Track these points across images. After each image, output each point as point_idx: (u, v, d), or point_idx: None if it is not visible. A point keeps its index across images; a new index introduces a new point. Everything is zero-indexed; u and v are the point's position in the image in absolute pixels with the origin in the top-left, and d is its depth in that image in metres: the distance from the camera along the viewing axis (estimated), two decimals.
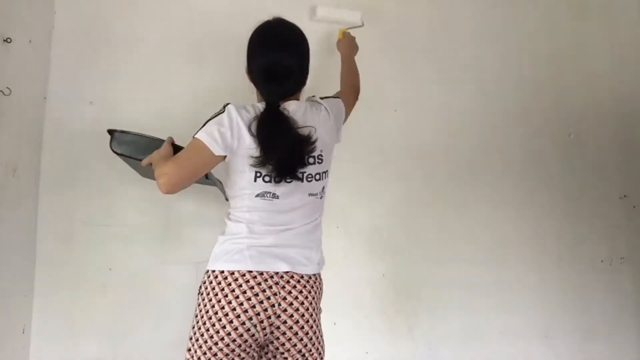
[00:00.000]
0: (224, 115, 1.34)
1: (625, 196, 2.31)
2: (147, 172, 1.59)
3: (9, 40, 1.64)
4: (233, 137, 1.32)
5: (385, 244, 2.07)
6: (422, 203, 2.12)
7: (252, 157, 1.32)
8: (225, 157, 1.34)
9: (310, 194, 1.39)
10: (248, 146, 1.33)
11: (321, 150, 1.41)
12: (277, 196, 1.36)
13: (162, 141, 1.54)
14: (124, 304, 1.86)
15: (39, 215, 1.83)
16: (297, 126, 1.35)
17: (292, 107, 1.39)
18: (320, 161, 1.41)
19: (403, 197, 2.11)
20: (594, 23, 2.39)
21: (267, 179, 1.35)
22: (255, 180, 1.35)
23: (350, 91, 1.75)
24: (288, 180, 1.35)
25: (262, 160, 1.31)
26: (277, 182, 1.34)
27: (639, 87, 2.37)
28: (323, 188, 1.43)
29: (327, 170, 1.44)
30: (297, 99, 1.45)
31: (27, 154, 1.79)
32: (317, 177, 1.40)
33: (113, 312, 1.85)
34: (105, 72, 1.93)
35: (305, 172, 1.37)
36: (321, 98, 1.53)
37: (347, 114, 1.65)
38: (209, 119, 1.36)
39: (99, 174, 1.89)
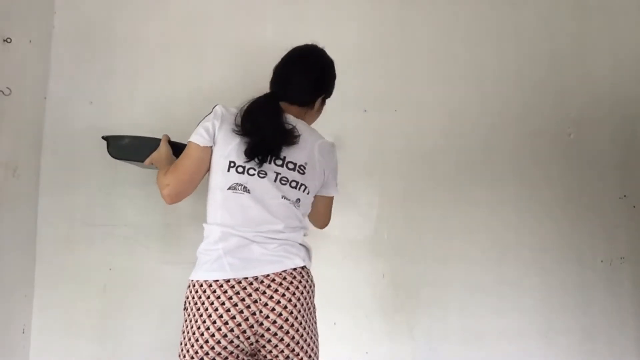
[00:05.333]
0: (210, 114, 1.42)
1: (625, 196, 2.30)
2: (150, 166, 1.62)
3: (9, 40, 1.64)
4: (215, 125, 1.39)
5: (385, 244, 2.07)
6: (422, 203, 2.12)
7: (236, 125, 1.38)
8: (211, 147, 1.40)
9: (283, 197, 1.38)
10: (229, 122, 1.39)
11: (305, 163, 1.42)
12: (248, 190, 1.36)
13: (157, 140, 1.56)
14: (124, 304, 1.86)
15: (39, 215, 1.84)
16: (285, 120, 1.41)
17: (290, 118, 1.44)
18: (301, 172, 1.42)
19: (403, 197, 2.11)
20: (594, 23, 2.38)
21: (240, 169, 1.37)
22: (228, 170, 1.37)
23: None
24: (261, 175, 1.37)
25: (243, 130, 1.36)
26: (248, 161, 1.36)
27: (639, 87, 2.37)
28: (298, 200, 1.41)
29: (307, 187, 1.43)
30: (297, 115, 1.48)
31: (27, 154, 1.79)
32: (293, 184, 1.40)
33: (113, 312, 1.85)
34: (105, 72, 1.93)
35: (280, 173, 1.39)
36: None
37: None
38: (198, 123, 1.43)
39: (99, 174, 1.89)
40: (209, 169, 1.42)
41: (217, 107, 1.42)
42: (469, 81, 2.22)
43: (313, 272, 1.47)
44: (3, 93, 1.62)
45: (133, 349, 1.85)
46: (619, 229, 2.28)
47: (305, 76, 1.50)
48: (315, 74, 1.52)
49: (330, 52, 1.56)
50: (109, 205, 1.89)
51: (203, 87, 1.98)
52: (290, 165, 1.40)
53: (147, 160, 1.54)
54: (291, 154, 1.40)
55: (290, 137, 1.39)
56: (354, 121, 2.08)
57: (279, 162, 1.39)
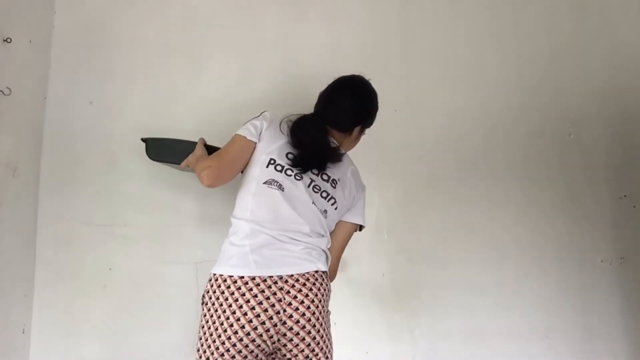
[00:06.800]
0: (259, 116, 1.52)
1: (625, 196, 2.30)
2: (184, 168, 1.67)
3: (9, 40, 1.64)
4: (263, 124, 1.48)
5: (385, 244, 2.07)
6: (422, 203, 2.12)
7: (282, 131, 1.46)
8: (255, 143, 1.46)
9: (313, 203, 1.43)
10: (275, 125, 1.47)
11: (338, 179, 1.50)
12: (283, 188, 1.41)
13: (194, 143, 1.62)
14: (124, 304, 1.86)
15: (39, 215, 1.84)
16: (330, 140, 1.50)
17: (332, 139, 1.53)
18: (333, 185, 1.49)
19: (403, 197, 2.11)
20: (593, 23, 2.38)
21: (278, 167, 1.42)
22: (267, 166, 1.43)
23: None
24: (297, 178, 1.43)
25: (295, 141, 1.43)
26: (292, 166, 1.42)
27: (639, 87, 2.37)
28: (325, 211, 1.47)
29: (335, 201, 1.49)
30: (336, 139, 1.55)
31: (27, 154, 1.79)
32: (324, 194, 1.47)
33: (113, 312, 1.85)
34: (105, 72, 1.93)
35: (314, 181, 1.45)
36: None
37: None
38: (245, 122, 1.51)
39: (99, 174, 1.89)
40: (247, 164, 1.48)
41: (265, 112, 1.52)
42: (469, 81, 2.22)
43: None
44: (3, 93, 1.62)
45: (133, 348, 1.85)
46: (619, 229, 2.28)
47: (348, 103, 1.55)
48: (358, 102, 1.57)
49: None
50: (109, 205, 1.88)
51: (203, 87, 1.98)
52: (325, 177, 1.48)
53: (184, 163, 1.60)
54: (328, 169, 1.48)
55: (335, 156, 1.48)
56: None
57: (316, 171, 1.46)
